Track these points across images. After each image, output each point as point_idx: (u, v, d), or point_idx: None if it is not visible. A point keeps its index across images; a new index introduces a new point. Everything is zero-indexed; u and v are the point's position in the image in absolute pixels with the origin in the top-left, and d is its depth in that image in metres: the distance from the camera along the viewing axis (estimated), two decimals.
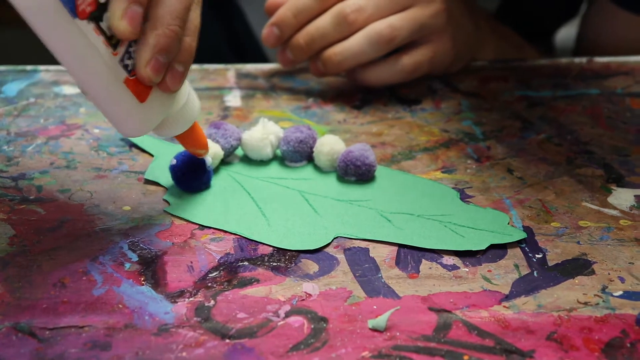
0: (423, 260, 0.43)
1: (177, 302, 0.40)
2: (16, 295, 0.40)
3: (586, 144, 0.55)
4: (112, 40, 0.41)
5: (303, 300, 0.40)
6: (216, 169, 0.51)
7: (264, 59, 0.84)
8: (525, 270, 0.42)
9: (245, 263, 0.43)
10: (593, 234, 0.45)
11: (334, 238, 0.45)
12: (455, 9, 0.64)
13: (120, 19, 0.40)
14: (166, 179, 0.50)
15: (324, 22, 0.59)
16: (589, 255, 0.43)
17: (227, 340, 0.37)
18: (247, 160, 0.53)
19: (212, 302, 0.40)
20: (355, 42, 0.59)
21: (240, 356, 0.37)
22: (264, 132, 0.52)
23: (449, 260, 0.43)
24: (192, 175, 0.49)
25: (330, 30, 0.59)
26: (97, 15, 0.40)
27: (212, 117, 0.59)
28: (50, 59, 0.69)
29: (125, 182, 0.51)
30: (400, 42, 0.60)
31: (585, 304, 0.40)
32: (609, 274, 0.42)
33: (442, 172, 0.52)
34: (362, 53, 0.59)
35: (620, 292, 0.40)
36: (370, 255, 0.44)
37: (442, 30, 0.61)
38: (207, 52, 0.89)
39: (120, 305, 0.40)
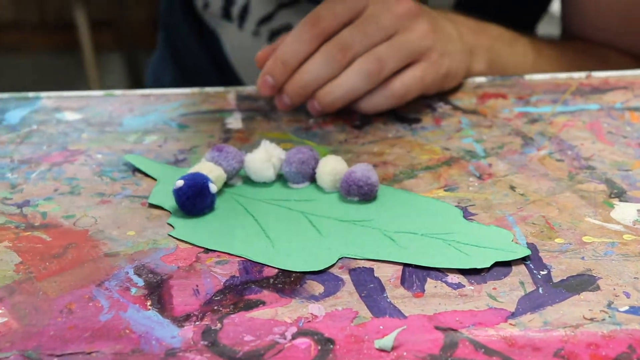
0: (428, 279, 0.43)
1: (183, 326, 0.40)
2: (23, 323, 0.40)
3: (587, 159, 0.55)
4: None
5: (309, 321, 0.40)
6: (219, 192, 0.52)
7: (239, 82, 0.85)
8: (530, 287, 0.42)
9: (251, 285, 0.43)
10: (597, 249, 0.45)
11: (339, 259, 0.45)
12: (443, 23, 0.64)
13: None
14: (170, 203, 0.50)
15: (314, 65, 0.60)
16: (594, 271, 0.43)
17: None
18: (249, 182, 0.53)
19: (219, 325, 0.40)
20: (345, 80, 0.60)
21: None
22: (266, 154, 0.52)
23: (454, 278, 0.43)
24: (195, 199, 0.49)
25: (322, 72, 0.60)
26: None
27: (213, 139, 0.59)
28: (51, 87, 0.69)
29: (129, 206, 0.51)
30: (391, 71, 0.60)
31: (592, 319, 0.40)
32: (614, 289, 0.42)
33: (445, 191, 0.52)
34: (354, 89, 0.60)
35: (626, 308, 0.40)
36: (375, 275, 0.44)
37: (430, 50, 0.61)
38: (193, 72, 0.90)
39: (127, 331, 0.40)
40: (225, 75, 0.87)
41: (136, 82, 2.33)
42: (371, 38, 0.60)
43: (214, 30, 0.86)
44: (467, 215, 0.49)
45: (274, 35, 0.81)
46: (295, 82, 0.60)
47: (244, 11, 0.81)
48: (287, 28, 0.81)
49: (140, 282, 0.43)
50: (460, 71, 0.66)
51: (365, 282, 0.43)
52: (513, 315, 0.40)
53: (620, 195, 0.51)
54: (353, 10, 0.61)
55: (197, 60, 0.90)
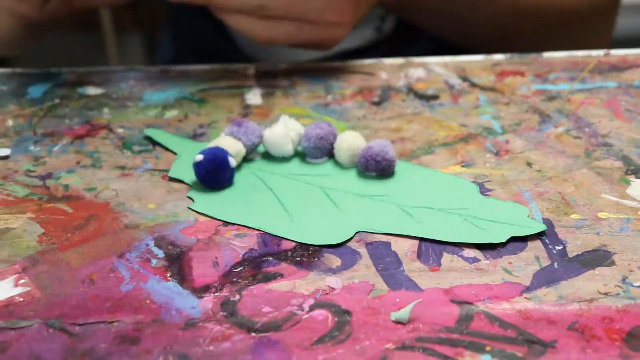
0: (444, 253, 0.43)
1: (203, 297, 0.40)
2: (46, 292, 0.41)
3: (604, 136, 0.55)
4: None
5: (326, 294, 0.40)
6: (238, 166, 0.52)
7: (242, 54, 0.84)
8: (545, 262, 0.42)
9: (269, 258, 0.43)
10: (612, 225, 0.45)
11: (356, 233, 0.45)
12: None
13: None
14: (190, 176, 0.50)
15: None
16: (609, 247, 0.43)
17: (253, 334, 0.38)
18: (268, 157, 0.53)
19: (238, 296, 0.40)
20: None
21: (266, 349, 0.37)
22: (285, 130, 0.53)
23: (469, 253, 0.43)
24: (215, 173, 0.49)
25: None
26: None
27: (233, 115, 0.59)
28: (73, 64, 0.70)
29: (149, 180, 0.51)
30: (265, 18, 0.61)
31: (606, 294, 0.40)
32: (629, 264, 0.42)
33: (462, 167, 0.52)
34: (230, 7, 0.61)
35: None
36: (392, 249, 0.44)
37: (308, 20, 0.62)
38: (207, 51, 0.90)
39: (148, 301, 0.40)
40: (228, 46, 0.86)
41: (154, 61, 2.33)
42: None
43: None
44: (483, 190, 0.49)
45: None
46: None
47: None
48: None
49: (161, 253, 0.44)
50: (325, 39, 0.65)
51: (382, 255, 0.43)
52: (528, 289, 0.40)
53: (637, 172, 0.50)
54: None
55: (203, 33, 0.89)
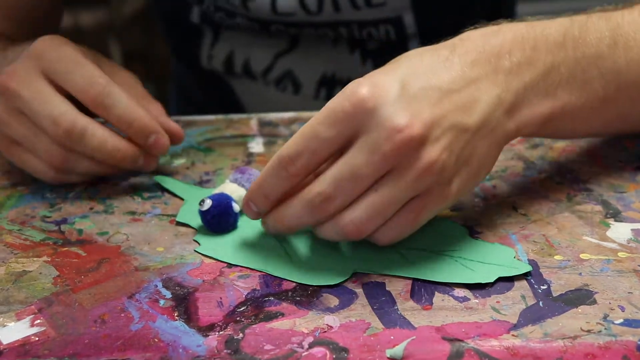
0: (436, 292, 0.43)
1: (208, 336, 0.40)
2: (60, 332, 0.41)
3: (585, 182, 0.55)
4: None
5: (325, 332, 0.40)
6: (242, 211, 0.52)
7: None
8: (531, 301, 0.42)
9: (271, 298, 0.43)
10: (594, 265, 0.45)
11: (353, 273, 0.45)
12: (477, 101, 0.46)
13: None
14: (196, 221, 0.51)
15: (296, 212, 0.45)
16: (591, 286, 0.43)
17: None
18: None
19: (241, 335, 0.40)
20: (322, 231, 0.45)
21: None
22: None
23: (460, 292, 0.43)
24: (220, 218, 0.49)
25: (304, 221, 0.45)
26: None
27: (237, 162, 0.60)
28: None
29: (158, 224, 0.51)
30: (385, 218, 0.43)
31: (589, 331, 0.40)
32: (609, 303, 0.42)
33: (452, 211, 0.52)
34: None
35: (621, 320, 0.40)
36: (387, 289, 0.44)
37: (431, 187, 0.44)
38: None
39: (156, 340, 0.40)
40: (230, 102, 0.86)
41: (164, 109, 2.34)
42: (359, 186, 0.43)
43: (223, 77, 0.84)
44: (472, 233, 0.49)
45: (279, 82, 0.80)
46: (277, 223, 0.46)
47: (247, 65, 0.80)
48: (289, 74, 0.80)
49: (168, 294, 0.44)
50: (478, 178, 0.47)
51: (378, 295, 0.43)
52: (515, 327, 0.40)
53: (616, 215, 0.51)
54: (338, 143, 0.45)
55: (206, 107, 0.88)
